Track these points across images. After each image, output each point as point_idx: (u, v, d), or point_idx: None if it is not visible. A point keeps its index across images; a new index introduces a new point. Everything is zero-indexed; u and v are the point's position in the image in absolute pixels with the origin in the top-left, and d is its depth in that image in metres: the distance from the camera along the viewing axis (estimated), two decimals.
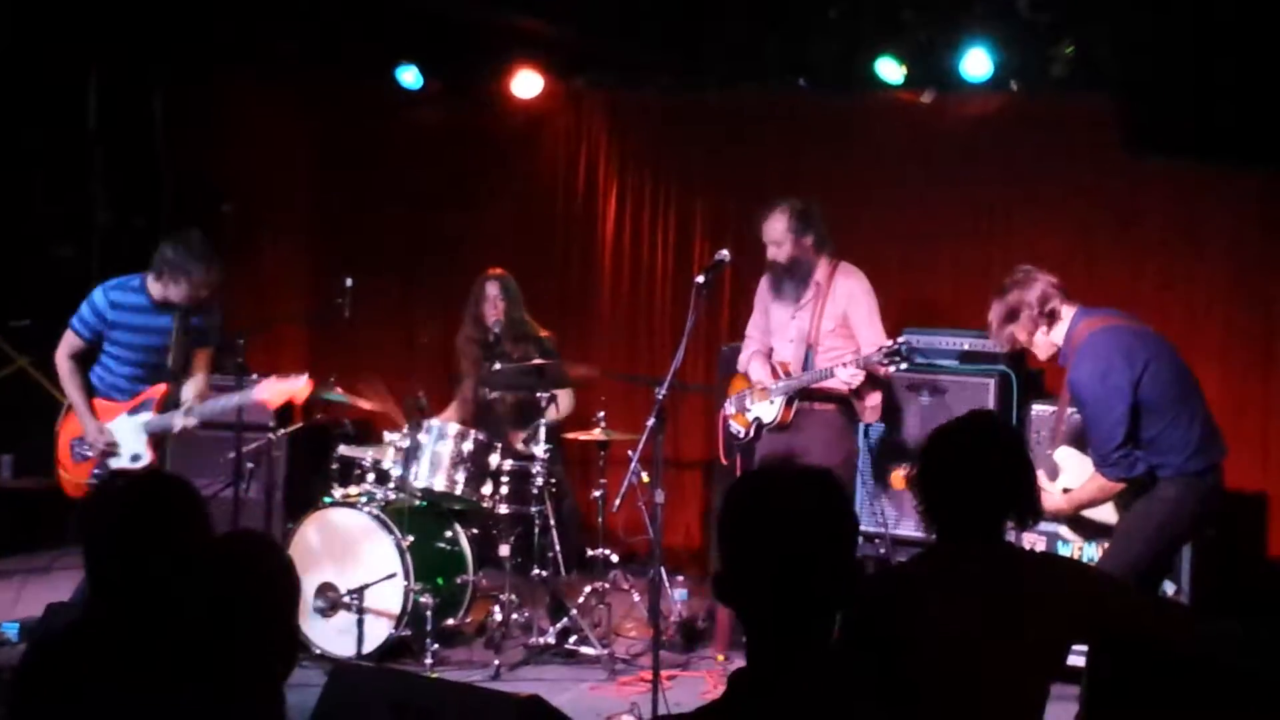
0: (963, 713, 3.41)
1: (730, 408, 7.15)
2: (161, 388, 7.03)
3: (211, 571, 2.86)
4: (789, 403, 6.84)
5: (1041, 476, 5.19)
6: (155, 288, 6.92)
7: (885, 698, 2.62)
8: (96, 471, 6.96)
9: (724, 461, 7.31)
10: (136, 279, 6.96)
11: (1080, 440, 5.81)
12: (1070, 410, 5.91)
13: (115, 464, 6.94)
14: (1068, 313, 5.68)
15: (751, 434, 7.03)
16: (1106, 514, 5.65)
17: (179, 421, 6.98)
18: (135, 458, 6.97)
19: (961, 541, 3.66)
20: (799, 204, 6.94)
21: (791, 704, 2.46)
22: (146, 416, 6.99)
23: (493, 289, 8.18)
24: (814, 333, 6.87)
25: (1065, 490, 5.72)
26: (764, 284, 7.18)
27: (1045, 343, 5.74)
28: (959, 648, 3.46)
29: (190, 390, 7.06)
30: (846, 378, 6.59)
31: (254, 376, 7.16)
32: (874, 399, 6.84)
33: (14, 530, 9.05)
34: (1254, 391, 7.94)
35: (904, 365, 6.52)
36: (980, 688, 3.46)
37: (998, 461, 3.70)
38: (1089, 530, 5.77)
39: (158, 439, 7.02)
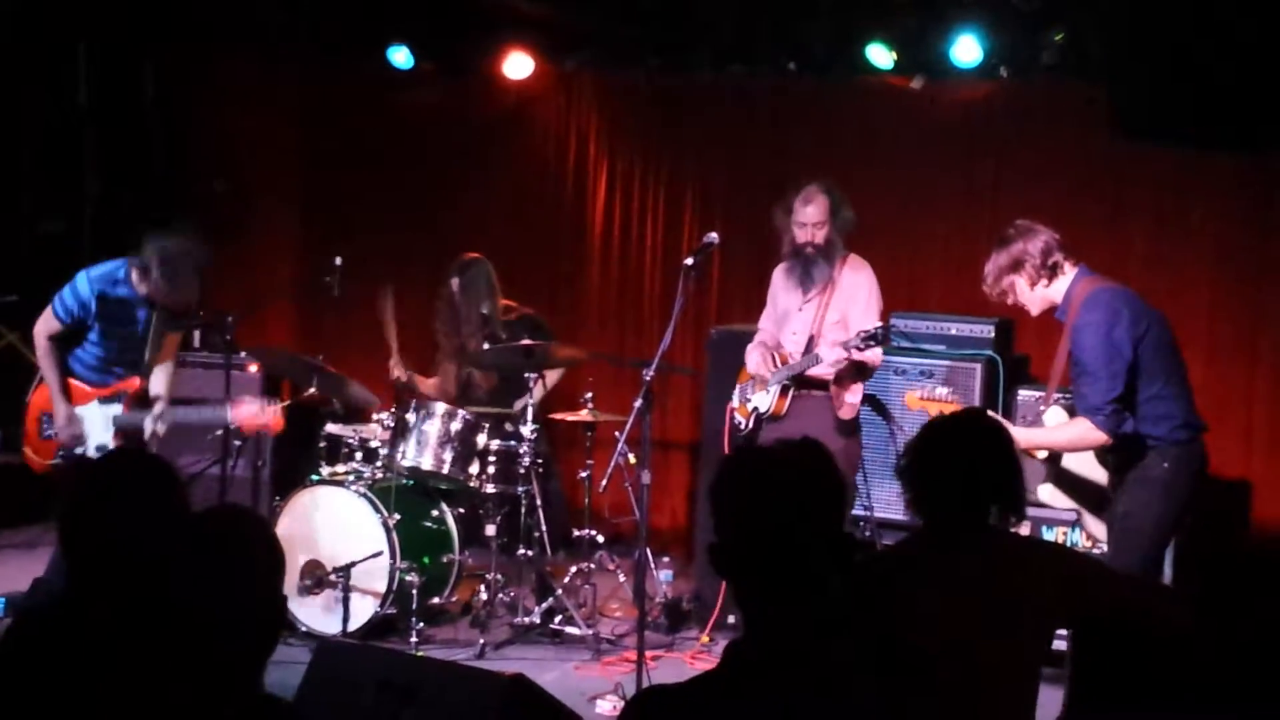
0: (954, 700, 3.43)
1: (735, 399, 7.12)
2: (135, 381, 7.01)
3: (196, 546, 2.87)
4: (783, 392, 6.76)
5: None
6: (140, 285, 6.88)
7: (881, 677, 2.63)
8: (61, 454, 6.96)
9: (728, 453, 7.25)
10: (121, 269, 6.90)
11: (1071, 411, 5.83)
12: (1057, 395, 5.92)
13: (83, 452, 6.94)
14: (1070, 269, 5.71)
15: (751, 425, 6.94)
16: (1089, 470, 5.70)
17: (149, 426, 6.96)
18: (100, 448, 6.95)
19: (948, 529, 3.69)
20: (833, 184, 6.85)
21: (787, 676, 2.48)
22: (117, 410, 6.98)
23: (454, 284, 8.16)
24: (818, 324, 6.78)
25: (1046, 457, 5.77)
26: (777, 275, 7.06)
27: (1041, 297, 5.76)
28: (947, 635, 3.49)
29: (160, 379, 7.04)
30: (830, 358, 6.52)
31: (229, 413, 7.11)
32: (853, 394, 6.75)
33: (2, 505, 9.04)
34: (1238, 379, 7.97)
35: (878, 350, 6.49)
36: (970, 674, 3.49)
37: (986, 459, 3.74)
38: (1069, 486, 5.79)
39: (125, 434, 6.97)
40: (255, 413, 7.07)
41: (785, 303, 6.98)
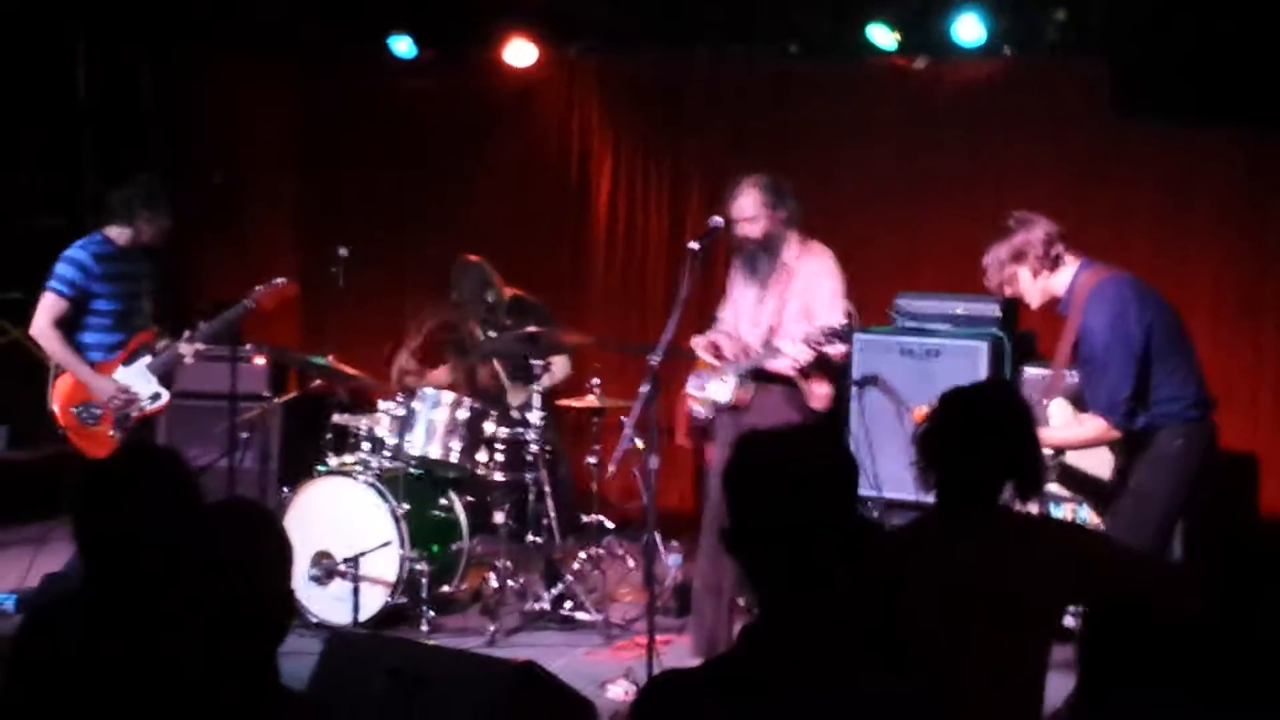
0: (963, 678, 3.42)
1: (690, 388, 7.04)
2: (149, 333, 7.12)
3: (204, 540, 2.87)
4: (742, 383, 6.61)
5: None
6: (124, 234, 7.05)
7: (890, 659, 2.63)
8: (118, 427, 7.01)
9: (681, 442, 7.16)
10: (96, 235, 7.09)
11: (1075, 398, 5.80)
12: (1068, 375, 5.90)
13: (140, 409, 7.06)
14: (1072, 261, 5.67)
15: (709, 414, 6.81)
16: (1098, 468, 5.66)
17: (185, 349, 7.11)
18: (155, 397, 7.11)
19: (959, 506, 3.68)
20: (768, 178, 6.64)
21: (801, 663, 2.48)
22: (147, 359, 7.09)
23: (454, 296, 8.18)
24: (778, 315, 6.61)
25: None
26: (734, 268, 6.88)
27: (1042, 289, 5.70)
28: (953, 618, 3.48)
29: (162, 340, 7.15)
30: (793, 353, 6.36)
31: (247, 301, 7.28)
32: (823, 386, 6.58)
33: (9, 501, 9.05)
34: (1243, 354, 7.97)
35: (844, 347, 6.36)
36: (976, 655, 3.48)
37: (1007, 432, 3.72)
38: (1076, 484, 5.77)
39: (167, 376, 7.16)
40: (269, 293, 7.31)
41: (744, 297, 6.79)
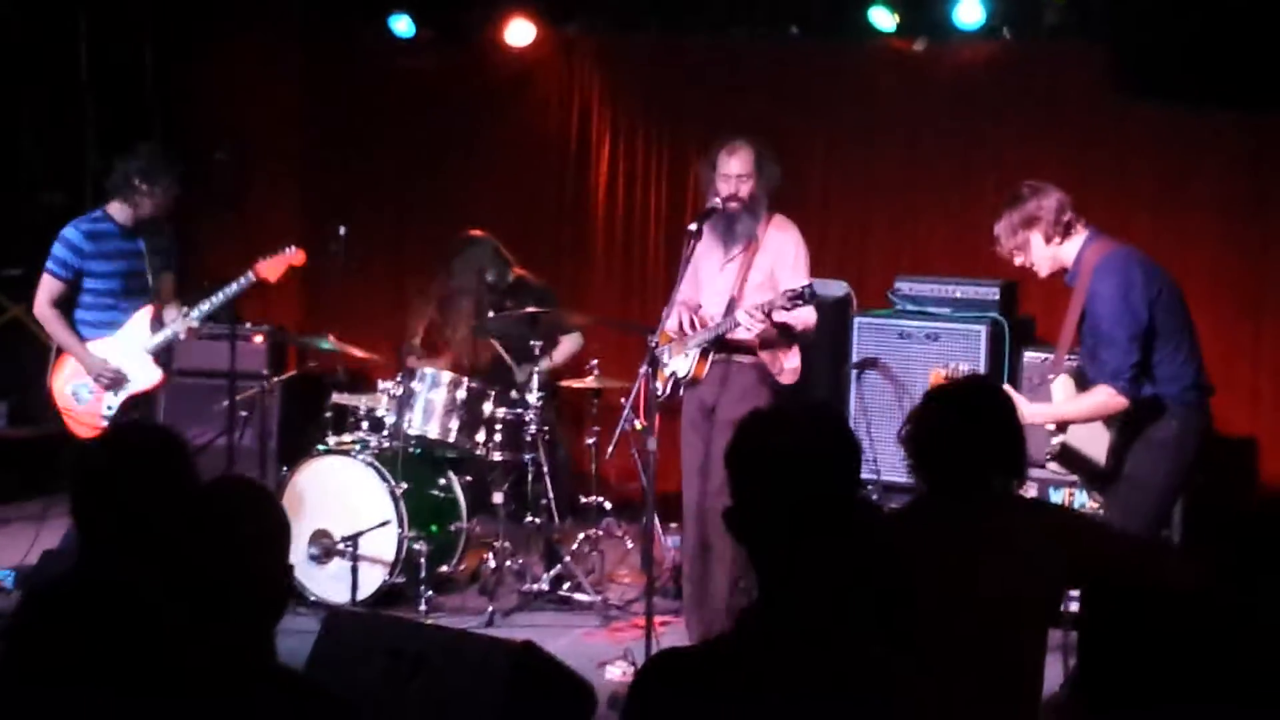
0: (960, 661, 3.43)
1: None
2: (149, 310, 7.10)
3: (201, 518, 2.87)
4: (703, 355, 6.51)
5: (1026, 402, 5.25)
6: (122, 211, 7.04)
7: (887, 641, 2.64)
8: (110, 407, 7.02)
9: (643, 422, 6.99)
10: (97, 212, 7.10)
11: (1078, 376, 5.78)
12: (1069, 357, 5.89)
13: (131, 389, 7.05)
14: (1081, 230, 5.65)
15: (670, 389, 6.71)
16: (1095, 450, 5.66)
17: (181, 326, 7.09)
18: (145, 375, 7.10)
19: (949, 495, 3.69)
20: (759, 140, 6.58)
21: (800, 639, 2.48)
22: (144, 339, 7.05)
23: (456, 263, 8.17)
24: (740, 285, 6.51)
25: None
26: (697, 236, 6.53)
27: (1051, 256, 5.67)
28: (953, 597, 3.48)
29: (172, 314, 7.13)
30: (746, 322, 6.24)
31: (250, 275, 7.26)
32: (791, 359, 6.51)
33: (9, 478, 9.06)
34: (1243, 339, 7.96)
35: (807, 310, 6.25)
36: (976, 636, 3.49)
37: (988, 431, 3.74)
38: (1075, 465, 5.76)
39: (163, 355, 7.14)
40: (275, 262, 7.27)
41: (706, 263, 6.65)
